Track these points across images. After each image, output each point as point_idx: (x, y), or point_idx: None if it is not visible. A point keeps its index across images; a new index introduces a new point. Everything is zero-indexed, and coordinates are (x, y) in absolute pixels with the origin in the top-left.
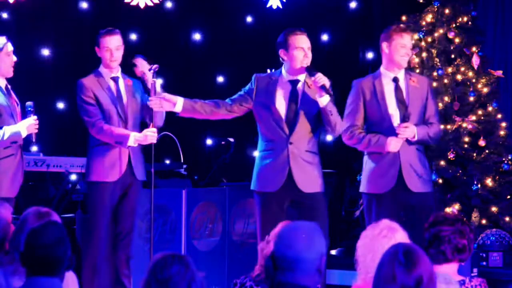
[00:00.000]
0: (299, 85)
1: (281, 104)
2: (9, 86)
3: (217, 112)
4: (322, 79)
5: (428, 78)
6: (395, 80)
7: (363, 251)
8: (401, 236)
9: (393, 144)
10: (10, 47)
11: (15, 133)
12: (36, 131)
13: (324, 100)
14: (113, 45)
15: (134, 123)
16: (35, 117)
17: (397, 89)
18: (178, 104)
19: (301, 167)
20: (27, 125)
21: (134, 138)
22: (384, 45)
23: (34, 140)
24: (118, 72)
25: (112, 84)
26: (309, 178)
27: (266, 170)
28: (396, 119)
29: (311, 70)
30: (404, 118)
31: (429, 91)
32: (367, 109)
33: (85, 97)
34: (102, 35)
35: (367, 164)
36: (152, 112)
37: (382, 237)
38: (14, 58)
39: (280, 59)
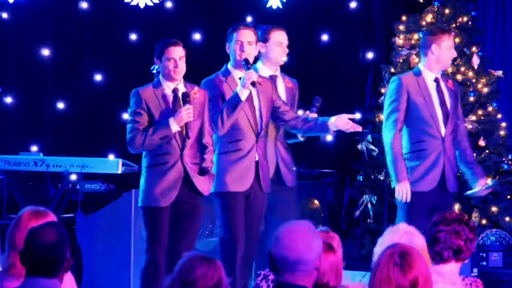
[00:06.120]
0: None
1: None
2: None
3: None
4: (252, 75)
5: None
6: (436, 80)
7: None
8: (419, 240)
9: (400, 193)
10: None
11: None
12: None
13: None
14: None
15: None
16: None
17: (439, 90)
18: None
19: (268, 165)
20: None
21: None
22: (434, 47)
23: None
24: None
25: None
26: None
27: (236, 169)
28: (439, 119)
29: (246, 64)
30: (446, 118)
31: (459, 97)
32: (411, 105)
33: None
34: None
35: (411, 161)
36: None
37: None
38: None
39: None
